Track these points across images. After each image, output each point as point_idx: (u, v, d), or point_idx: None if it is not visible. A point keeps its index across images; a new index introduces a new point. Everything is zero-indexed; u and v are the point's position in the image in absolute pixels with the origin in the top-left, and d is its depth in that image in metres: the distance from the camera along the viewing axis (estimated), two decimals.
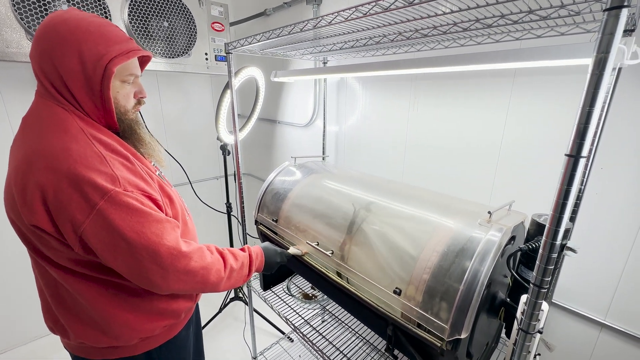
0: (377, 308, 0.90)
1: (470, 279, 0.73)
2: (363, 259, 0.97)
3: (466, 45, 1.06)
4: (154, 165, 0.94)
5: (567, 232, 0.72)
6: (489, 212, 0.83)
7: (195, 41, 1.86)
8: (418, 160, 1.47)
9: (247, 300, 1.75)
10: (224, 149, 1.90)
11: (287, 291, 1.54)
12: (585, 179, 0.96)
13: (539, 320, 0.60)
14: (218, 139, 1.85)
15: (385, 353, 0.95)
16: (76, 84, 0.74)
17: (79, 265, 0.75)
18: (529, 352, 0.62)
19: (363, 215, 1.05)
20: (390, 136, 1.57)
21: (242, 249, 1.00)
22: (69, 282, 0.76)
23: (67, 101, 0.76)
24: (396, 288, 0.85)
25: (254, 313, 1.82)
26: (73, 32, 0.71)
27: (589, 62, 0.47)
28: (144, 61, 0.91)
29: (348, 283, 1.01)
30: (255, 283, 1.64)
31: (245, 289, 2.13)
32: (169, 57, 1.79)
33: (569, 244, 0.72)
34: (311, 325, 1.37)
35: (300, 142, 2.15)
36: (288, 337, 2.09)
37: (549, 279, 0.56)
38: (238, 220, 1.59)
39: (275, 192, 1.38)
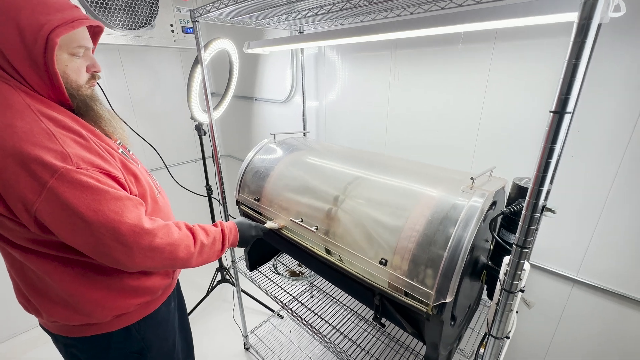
0: (364, 280, 0.91)
1: (454, 245, 0.73)
2: (348, 233, 0.96)
3: (446, 7, 1.02)
4: (120, 144, 0.89)
5: (547, 193, 0.73)
6: (472, 179, 0.82)
7: (157, 11, 1.70)
8: (400, 131, 1.45)
9: (234, 281, 1.74)
10: (199, 129, 1.81)
11: (273, 270, 1.53)
12: (563, 141, 0.97)
13: (521, 279, 0.61)
14: (192, 118, 1.75)
15: (373, 322, 0.97)
16: (17, 57, 0.67)
17: (39, 245, 0.72)
18: (511, 310, 0.64)
19: (346, 189, 1.03)
20: (371, 108, 1.53)
21: (215, 224, 0.98)
22: (32, 262, 0.74)
23: (10, 76, 0.69)
24: (382, 259, 0.85)
25: (243, 294, 1.82)
26: None
27: (573, 17, 0.45)
28: (96, 32, 0.84)
29: (334, 257, 1.01)
30: (242, 264, 1.62)
31: (231, 271, 2.11)
32: (130, 29, 1.63)
33: (548, 204, 0.73)
34: (299, 301, 1.38)
35: (279, 119, 2.08)
36: (278, 314, 2.12)
37: (531, 239, 0.57)
38: (219, 202, 1.54)
39: (255, 170, 1.33)
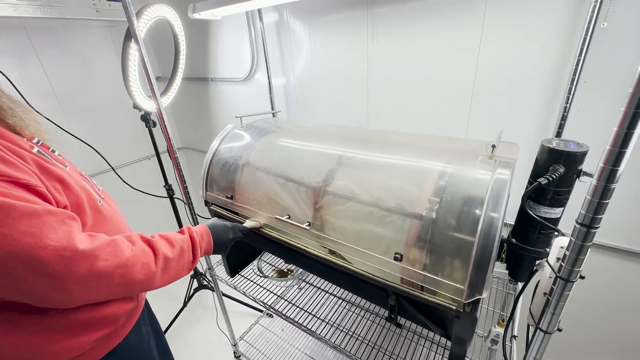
0: (375, 279, 0.76)
1: (485, 229, 0.61)
2: (348, 226, 0.80)
3: None
4: (38, 142, 0.70)
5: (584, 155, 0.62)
6: (493, 146, 0.69)
7: None
8: (384, 101, 1.29)
9: (214, 287, 1.54)
10: (146, 119, 1.51)
11: (258, 272, 1.36)
12: (571, 94, 0.87)
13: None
14: (135, 107, 1.45)
15: (383, 319, 0.84)
16: None
17: None
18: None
19: (339, 174, 0.86)
20: (349, 78, 1.35)
21: (181, 231, 0.80)
22: None
23: None
24: (396, 254, 0.70)
25: (226, 298, 1.63)
26: None
27: None
28: None
29: (334, 256, 0.85)
30: (220, 271, 1.42)
31: (210, 276, 1.89)
32: None
33: (586, 168, 0.62)
34: (286, 300, 1.23)
35: (242, 100, 1.82)
36: (267, 314, 1.97)
37: (602, 216, 0.44)
38: (184, 203, 1.31)
39: (223, 162, 1.11)
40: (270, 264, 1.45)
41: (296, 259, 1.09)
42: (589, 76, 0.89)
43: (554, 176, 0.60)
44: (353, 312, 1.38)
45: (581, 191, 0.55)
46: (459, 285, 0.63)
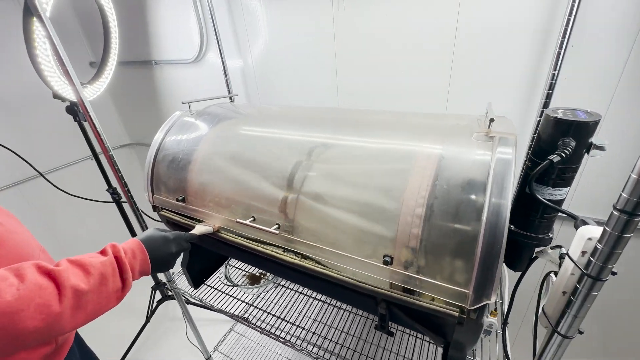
0: (360, 285, 0.64)
1: (491, 219, 0.50)
2: (325, 227, 0.67)
3: None
4: None
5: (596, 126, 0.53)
6: (491, 120, 0.58)
7: None
8: (354, 77, 1.15)
9: (175, 298, 1.36)
10: (73, 111, 1.25)
11: (227, 280, 1.20)
12: (560, 60, 0.79)
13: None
14: (56, 97, 1.18)
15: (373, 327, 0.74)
16: None
17: None
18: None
19: (312, 165, 0.72)
20: (314, 53, 1.19)
21: (103, 252, 0.62)
22: None
23: None
24: (385, 256, 0.58)
25: (194, 306, 1.46)
26: None
27: None
28: None
29: (309, 261, 0.72)
30: (182, 282, 1.25)
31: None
32: None
33: (596, 140, 0.53)
34: (262, 310, 1.09)
35: (193, 84, 1.60)
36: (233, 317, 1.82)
37: None
38: (134, 209, 1.10)
39: (171, 158, 0.92)
40: (239, 269, 1.30)
41: (266, 265, 0.95)
42: (577, 40, 0.81)
43: (566, 151, 0.50)
44: (334, 308, 1.28)
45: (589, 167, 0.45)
46: (462, 289, 0.53)
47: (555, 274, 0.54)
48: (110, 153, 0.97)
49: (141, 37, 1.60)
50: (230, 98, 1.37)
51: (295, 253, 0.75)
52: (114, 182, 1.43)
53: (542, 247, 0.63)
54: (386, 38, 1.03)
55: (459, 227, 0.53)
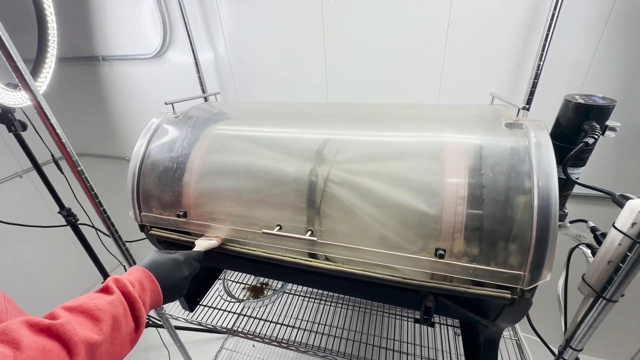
0: (408, 283, 0.63)
1: (542, 203, 0.52)
2: (367, 227, 0.64)
3: None
4: None
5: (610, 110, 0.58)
6: (525, 107, 0.61)
7: None
8: (345, 71, 1.13)
9: (165, 325, 1.20)
10: (7, 119, 1.00)
11: (226, 295, 1.09)
12: (545, 51, 0.87)
13: None
14: None
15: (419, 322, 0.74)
16: None
17: None
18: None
19: (337, 163, 0.68)
20: (302, 47, 1.13)
21: (105, 289, 0.51)
22: None
23: None
24: (438, 250, 0.58)
25: (179, 330, 1.31)
26: None
27: None
28: None
29: (347, 265, 0.69)
30: (173, 307, 1.11)
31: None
32: None
33: (609, 122, 0.60)
34: (259, 318, 1.04)
35: (154, 85, 1.41)
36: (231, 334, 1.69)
37: None
38: (110, 233, 0.93)
39: (161, 169, 0.79)
40: (235, 282, 1.20)
41: (281, 273, 0.89)
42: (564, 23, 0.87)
43: (597, 133, 0.55)
44: (326, 305, 1.26)
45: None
46: (517, 272, 0.55)
47: (588, 246, 0.59)
48: (79, 168, 0.80)
49: (82, 27, 1.36)
50: (205, 98, 1.24)
51: (326, 258, 0.71)
52: (67, 202, 1.20)
53: (560, 222, 0.69)
54: (378, 30, 1.02)
55: (511, 213, 0.55)
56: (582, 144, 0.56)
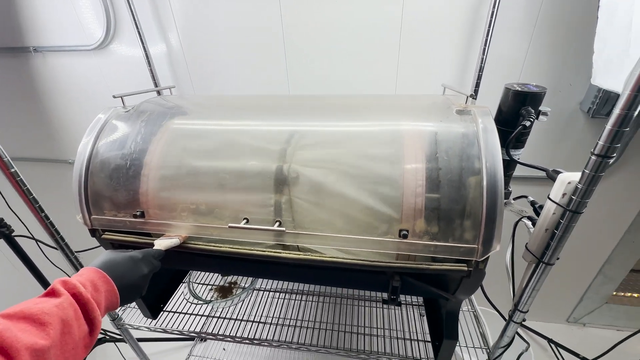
0: (375, 265, 0.66)
1: (490, 181, 0.58)
2: (334, 214, 0.65)
3: None
4: None
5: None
6: (472, 96, 0.66)
7: None
8: (305, 64, 1.13)
9: (125, 339, 1.12)
10: None
11: (192, 298, 1.05)
12: (487, 46, 0.95)
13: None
14: None
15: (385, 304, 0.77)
16: None
17: None
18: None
19: (302, 153, 0.69)
20: (259, 38, 1.11)
21: (51, 292, 0.46)
22: None
23: None
24: (402, 230, 0.61)
25: (140, 342, 1.22)
26: None
27: None
28: None
29: (316, 253, 0.70)
30: (133, 316, 1.04)
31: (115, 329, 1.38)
32: None
33: (542, 107, 0.67)
34: (230, 318, 1.02)
35: (98, 77, 1.29)
36: (199, 338, 1.63)
37: (618, 145, 0.46)
38: (59, 244, 0.84)
39: (113, 167, 0.74)
40: (200, 284, 1.15)
41: (250, 268, 0.87)
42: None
43: (533, 117, 0.61)
44: (296, 300, 1.27)
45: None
46: (471, 245, 0.60)
47: (529, 218, 0.66)
48: (12, 170, 0.71)
49: (6, 14, 1.20)
50: (158, 92, 1.17)
51: (297, 248, 0.71)
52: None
53: (505, 200, 0.76)
54: (336, 19, 1.04)
55: (463, 192, 0.59)
56: (520, 127, 0.63)
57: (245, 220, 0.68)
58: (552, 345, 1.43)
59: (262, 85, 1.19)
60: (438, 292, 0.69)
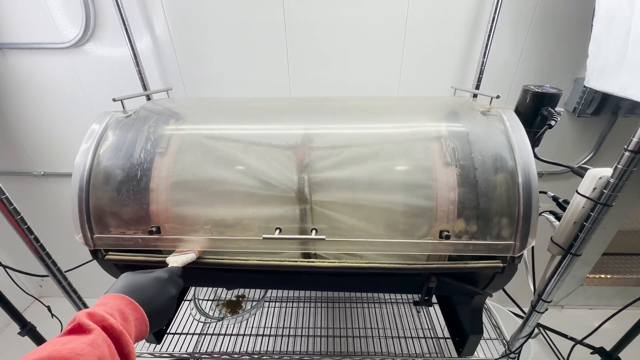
0: (414, 268, 0.65)
1: (524, 179, 0.60)
2: (368, 220, 0.64)
3: None
4: None
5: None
6: (497, 97, 0.68)
7: None
8: (310, 65, 1.10)
9: None
10: None
11: (199, 316, 0.97)
12: (488, 49, 0.99)
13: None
14: None
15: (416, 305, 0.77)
16: None
17: None
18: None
19: (329, 157, 0.66)
20: (262, 37, 1.06)
21: (78, 328, 0.40)
22: None
23: None
24: (443, 231, 0.61)
25: None
26: None
27: None
28: None
29: (352, 260, 0.68)
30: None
31: None
32: None
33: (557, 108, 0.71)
34: (235, 334, 0.96)
35: (76, 79, 1.16)
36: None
37: None
38: (55, 274, 0.73)
39: (119, 179, 0.66)
40: (205, 300, 1.07)
41: (275, 280, 0.83)
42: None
43: (557, 118, 0.65)
44: (288, 308, 1.23)
45: None
46: (509, 242, 0.62)
47: (551, 212, 0.70)
48: None
49: None
50: (148, 97, 1.07)
51: (315, 255, 0.69)
52: None
53: None
54: (341, 25, 1.03)
55: (500, 190, 0.61)
56: (546, 126, 0.66)
57: (278, 230, 0.64)
58: (541, 329, 1.54)
59: (262, 85, 1.15)
60: (473, 289, 0.70)
